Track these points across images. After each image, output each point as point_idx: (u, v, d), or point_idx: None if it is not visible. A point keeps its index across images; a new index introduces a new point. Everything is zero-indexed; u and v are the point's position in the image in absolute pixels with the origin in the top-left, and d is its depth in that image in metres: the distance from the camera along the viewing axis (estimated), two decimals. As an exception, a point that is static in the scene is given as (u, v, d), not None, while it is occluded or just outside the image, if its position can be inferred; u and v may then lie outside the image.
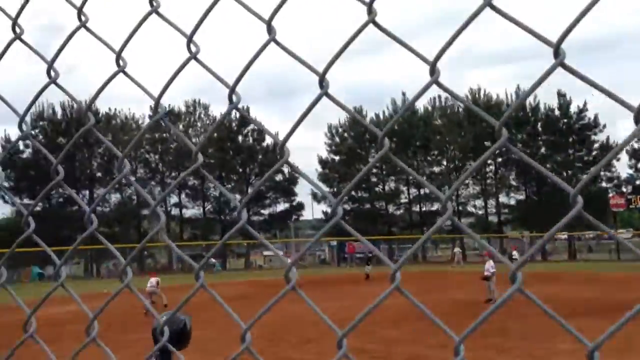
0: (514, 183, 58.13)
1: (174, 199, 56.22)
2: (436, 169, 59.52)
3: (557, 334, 11.24)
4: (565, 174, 55.16)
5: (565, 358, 8.95)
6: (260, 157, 57.49)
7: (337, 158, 59.31)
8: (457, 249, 41.45)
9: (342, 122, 59.28)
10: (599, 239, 64.71)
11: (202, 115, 58.42)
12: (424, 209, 60.08)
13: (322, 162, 59.61)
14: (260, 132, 53.51)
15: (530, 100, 56.01)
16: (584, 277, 27.96)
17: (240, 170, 58.28)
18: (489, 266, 16.92)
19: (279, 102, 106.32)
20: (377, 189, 58.63)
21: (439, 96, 60.77)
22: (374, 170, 58.12)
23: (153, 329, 3.84)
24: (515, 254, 27.99)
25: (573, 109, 55.86)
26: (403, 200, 59.95)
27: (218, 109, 56.62)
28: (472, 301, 17.04)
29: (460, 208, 58.33)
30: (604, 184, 55.47)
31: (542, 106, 56.85)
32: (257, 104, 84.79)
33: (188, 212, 58.77)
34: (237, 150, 57.13)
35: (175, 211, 57.24)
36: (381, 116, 58.73)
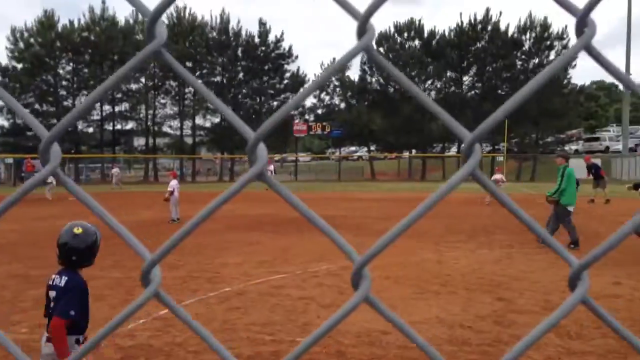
0: (211, 106, 59.04)
1: None
2: (134, 86, 56.95)
3: (226, 250, 11.82)
4: (258, 99, 58.15)
5: (233, 269, 9.39)
6: None
7: (19, 66, 52.28)
8: (116, 169, 39.41)
9: (28, 26, 52.21)
10: (282, 161, 70.40)
11: None
12: (117, 127, 57.37)
13: (2, 70, 52.00)
14: None
15: (233, 24, 56.93)
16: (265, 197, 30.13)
17: None
18: (174, 184, 16.78)
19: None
20: (65, 103, 53.73)
21: (139, 9, 57.71)
22: (64, 83, 53.18)
23: (62, 242, 3.29)
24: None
25: (271, 38, 58.43)
26: (95, 118, 56.22)
27: None
28: (159, 219, 16.91)
29: (156, 128, 57.34)
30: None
31: (244, 32, 58.15)
32: None
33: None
34: None
35: None
36: (75, 23, 53.33)
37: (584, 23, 0.59)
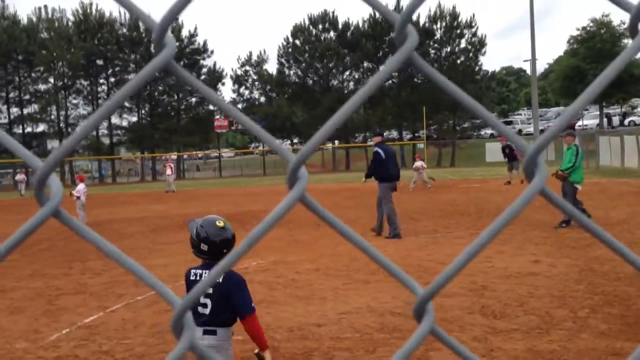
0: (127, 104, 57.36)
1: None
2: (42, 87, 54.38)
3: (153, 252, 11.52)
4: (176, 96, 56.93)
5: (160, 271, 9.16)
6: None
7: None
8: (21, 176, 37.91)
9: None
10: (206, 158, 69.39)
11: None
12: (27, 130, 54.69)
13: None
14: None
15: (143, 20, 55.26)
16: (191, 194, 29.63)
17: None
18: (80, 188, 16.07)
19: None
20: (-31, 106, 50.68)
21: (45, 6, 55.19)
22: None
23: (223, 239, 3.36)
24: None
25: (185, 33, 57.32)
26: (2, 121, 53.32)
27: None
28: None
29: (70, 129, 55.05)
30: (210, 107, 59.18)
31: (155, 28, 56.67)
32: None
33: None
34: None
35: None
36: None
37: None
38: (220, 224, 3.45)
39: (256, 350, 3.42)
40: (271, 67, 67.18)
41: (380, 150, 11.72)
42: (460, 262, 0.55)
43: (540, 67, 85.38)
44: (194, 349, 0.54)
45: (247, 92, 60.34)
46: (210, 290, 3.38)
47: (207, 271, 3.45)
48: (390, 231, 11.56)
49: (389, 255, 9.57)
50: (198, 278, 3.46)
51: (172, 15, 0.51)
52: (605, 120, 55.25)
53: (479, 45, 55.52)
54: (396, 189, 11.92)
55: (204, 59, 58.47)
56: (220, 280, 3.32)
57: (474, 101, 0.57)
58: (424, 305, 0.57)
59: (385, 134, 62.38)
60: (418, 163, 23.93)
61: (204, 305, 3.36)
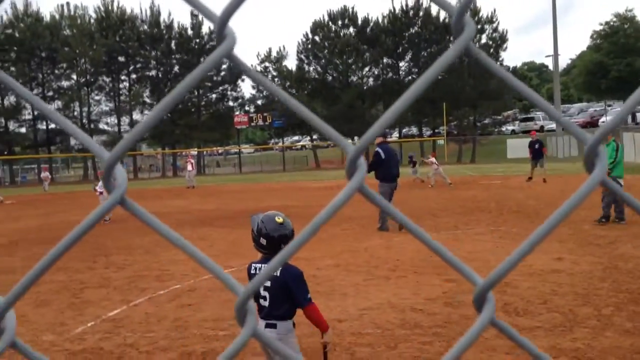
0: (147, 100, 57.83)
1: None
2: (65, 83, 55.04)
3: (174, 247, 11.61)
4: (196, 92, 57.24)
5: (182, 266, 9.25)
6: None
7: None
8: (45, 174, 38.77)
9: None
10: (226, 154, 69.70)
11: None
12: (51, 126, 55.41)
13: None
14: None
15: (165, 17, 55.71)
16: (212, 190, 29.82)
17: None
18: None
19: None
20: (-6, 103, 51.47)
21: (68, 3, 55.82)
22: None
23: (281, 234, 3.46)
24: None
25: (205, 29, 57.60)
26: (27, 117, 54.11)
27: None
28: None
29: (92, 126, 55.71)
30: (230, 103, 59.37)
31: (176, 25, 57.05)
32: None
33: None
34: None
35: None
36: (-3, 19, 50.95)
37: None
38: (279, 220, 3.55)
39: (322, 340, 3.53)
40: (291, 63, 67.60)
41: (380, 150, 12.16)
42: (521, 252, 0.55)
43: (563, 62, 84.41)
44: (258, 336, 0.55)
45: (266, 88, 60.42)
46: (268, 284, 3.49)
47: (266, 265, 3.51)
48: (379, 224, 12.19)
49: (409, 252, 9.57)
50: (258, 271, 3.54)
51: (233, 8, 0.52)
52: (629, 116, 54.40)
53: (500, 40, 54.95)
54: (396, 187, 12.44)
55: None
56: (278, 273, 3.43)
57: (532, 91, 0.58)
58: (484, 294, 0.58)
59: (404, 130, 62.22)
60: (431, 159, 24.16)
61: (264, 298, 3.48)
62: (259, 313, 3.51)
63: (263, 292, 3.49)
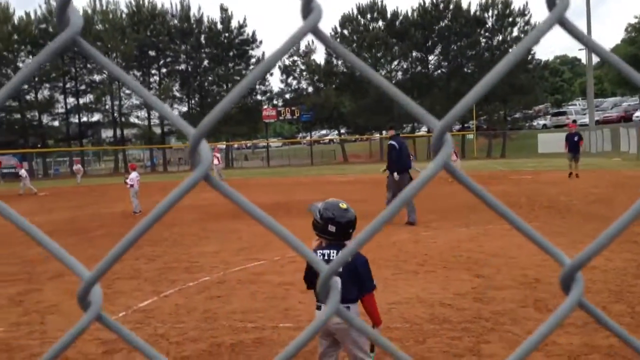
0: (177, 94, 58.36)
1: None
2: (97, 77, 55.88)
3: (203, 238, 11.73)
4: (225, 86, 57.58)
5: (211, 258, 9.33)
6: None
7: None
8: (77, 166, 39.47)
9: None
10: (254, 147, 70.00)
11: None
12: (83, 119, 56.39)
13: (-43, 64, 50.55)
14: None
15: (194, 12, 56.07)
16: (240, 183, 30.02)
17: None
18: (133, 176, 16.52)
19: None
20: (28, 97, 52.49)
21: (100, -2, 56.57)
22: (25, 76, 51.97)
23: (348, 220, 3.59)
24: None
25: (234, 24, 57.86)
26: (60, 110, 55.14)
27: None
28: (128, 212, 16.70)
29: (123, 119, 56.46)
30: (258, 97, 59.52)
31: (205, 19, 57.39)
32: None
33: None
34: None
35: None
36: (32, 15, 51.96)
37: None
38: (343, 206, 3.68)
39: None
40: (319, 57, 67.56)
41: (394, 143, 12.48)
42: (611, 232, 0.54)
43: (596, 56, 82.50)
44: (340, 313, 0.56)
45: (295, 82, 60.48)
46: (340, 269, 3.51)
47: (334, 251, 3.66)
48: (408, 219, 12.13)
49: (437, 246, 9.50)
50: (327, 258, 3.62)
51: None
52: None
53: (532, 33, 54.00)
54: (412, 178, 12.56)
55: (252, 49, 58.91)
56: (349, 258, 3.48)
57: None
58: (572, 275, 0.56)
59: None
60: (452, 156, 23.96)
61: None
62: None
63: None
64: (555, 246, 0.58)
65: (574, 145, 22.03)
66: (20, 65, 51.88)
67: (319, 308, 3.61)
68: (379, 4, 57.13)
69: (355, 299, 3.60)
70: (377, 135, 58.15)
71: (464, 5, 54.61)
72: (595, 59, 54.46)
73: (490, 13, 54.43)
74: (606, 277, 7.06)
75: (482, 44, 55.18)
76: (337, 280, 0.58)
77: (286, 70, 59.36)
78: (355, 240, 0.56)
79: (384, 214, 0.54)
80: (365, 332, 0.60)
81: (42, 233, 0.57)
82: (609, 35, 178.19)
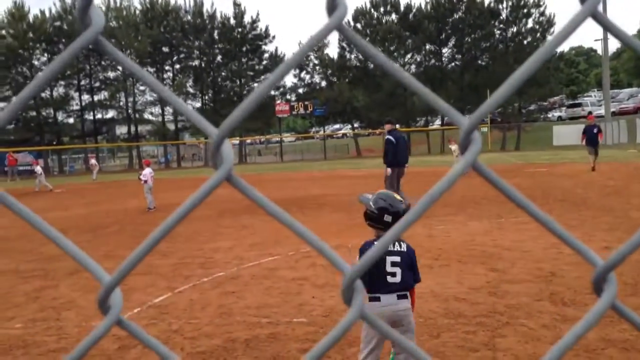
0: (191, 90, 58.53)
1: None
2: (111, 74, 56.23)
3: (217, 234, 11.77)
4: (238, 81, 57.66)
5: (225, 253, 9.37)
6: None
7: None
8: (93, 161, 39.71)
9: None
10: (267, 142, 70.08)
11: None
12: (98, 116, 56.75)
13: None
14: None
15: (207, 7, 56.08)
16: (254, 179, 30.07)
17: None
18: (147, 172, 16.55)
19: None
20: (43, 94, 52.90)
21: (114, -5, 56.79)
22: (39, 74, 52.40)
23: (399, 210, 3.71)
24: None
25: (247, 19, 57.86)
26: (74, 108, 55.57)
27: None
28: (142, 208, 16.80)
29: (137, 116, 56.76)
30: (272, 92, 59.46)
31: (218, 14, 57.48)
32: None
33: None
34: None
35: None
36: (47, 13, 52.30)
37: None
38: (397, 196, 3.82)
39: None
40: (332, 51, 67.56)
41: (391, 137, 12.75)
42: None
43: (612, 46, 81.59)
44: (364, 317, 0.55)
45: (308, 76, 60.41)
46: (398, 259, 3.69)
47: (397, 242, 3.76)
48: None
49: (451, 240, 9.46)
50: (392, 248, 3.73)
51: None
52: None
53: (547, 24, 53.47)
54: (404, 173, 13.07)
55: (265, 44, 58.90)
56: (405, 248, 3.72)
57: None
58: (604, 276, 0.55)
59: (447, 117, 61.21)
60: (453, 147, 24.12)
61: (393, 275, 3.67)
62: (385, 289, 3.67)
63: (392, 269, 3.69)
64: (587, 247, 0.57)
65: (593, 137, 21.24)
66: (36, 63, 52.36)
67: (377, 299, 3.65)
68: (392, -3, 56.83)
69: (410, 288, 3.74)
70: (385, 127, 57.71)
71: (477, -2, 54.11)
72: (611, 50, 53.77)
73: (504, 4, 53.92)
74: (621, 269, 6.97)
75: (497, 35, 54.69)
76: (360, 284, 0.57)
77: (299, 65, 59.26)
78: (380, 241, 0.56)
79: (408, 217, 0.54)
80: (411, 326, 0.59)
81: (64, 238, 0.57)
82: (626, 25, 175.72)
